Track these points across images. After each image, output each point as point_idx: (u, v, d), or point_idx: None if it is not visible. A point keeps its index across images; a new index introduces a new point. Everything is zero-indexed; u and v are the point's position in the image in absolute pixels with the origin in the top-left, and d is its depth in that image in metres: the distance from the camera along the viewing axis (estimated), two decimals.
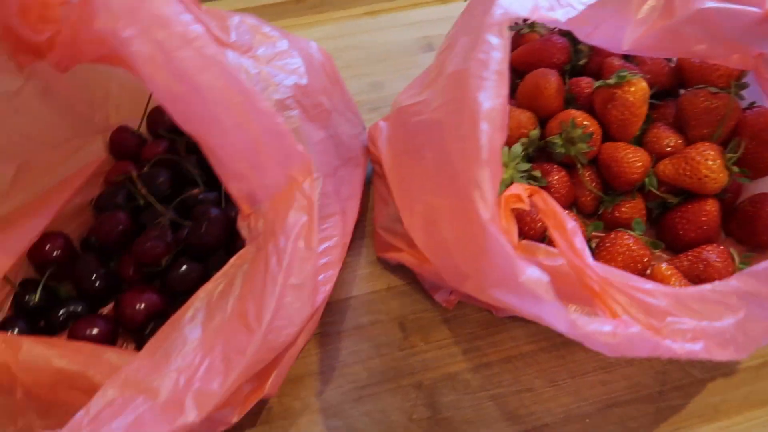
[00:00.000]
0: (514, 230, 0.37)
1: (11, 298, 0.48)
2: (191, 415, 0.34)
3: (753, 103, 0.53)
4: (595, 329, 0.32)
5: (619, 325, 0.34)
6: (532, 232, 0.49)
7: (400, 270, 0.53)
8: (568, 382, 0.47)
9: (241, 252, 0.40)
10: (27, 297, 0.47)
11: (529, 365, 0.48)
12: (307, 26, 0.72)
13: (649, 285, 0.38)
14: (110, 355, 0.41)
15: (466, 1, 0.77)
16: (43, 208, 0.49)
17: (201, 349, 0.37)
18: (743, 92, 0.52)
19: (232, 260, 0.40)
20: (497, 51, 0.35)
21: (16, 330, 0.45)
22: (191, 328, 0.38)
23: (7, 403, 0.42)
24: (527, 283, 0.30)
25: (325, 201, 0.45)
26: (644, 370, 0.48)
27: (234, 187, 0.39)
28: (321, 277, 0.44)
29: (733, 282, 0.39)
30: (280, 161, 0.39)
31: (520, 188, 0.42)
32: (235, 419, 0.40)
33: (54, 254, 0.49)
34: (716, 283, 0.39)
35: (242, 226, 0.41)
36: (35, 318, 0.47)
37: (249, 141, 0.37)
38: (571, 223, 0.40)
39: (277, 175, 0.39)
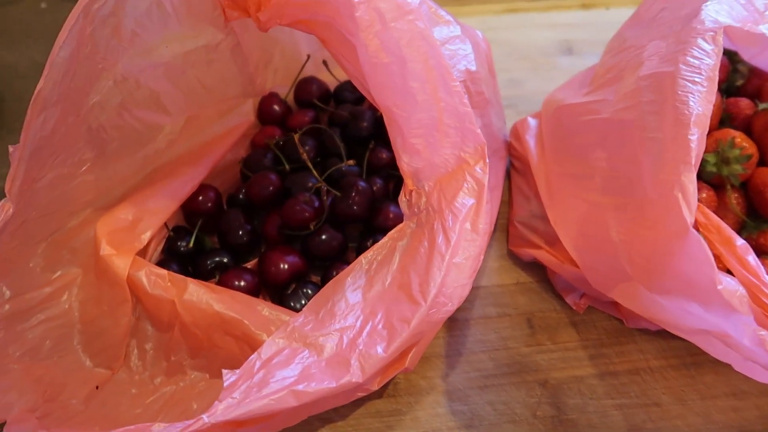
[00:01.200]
0: None
1: (164, 242, 0.51)
2: (356, 375, 0.35)
3: None
4: None
5: None
6: None
7: (531, 267, 0.53)
8: (698, 403, 0.46)
9: (400, 226, 0.41)
10: (179, 243, 0.50)
11: (657, 380, 0.48)
12: None
13: None
14: (263, 307, 0.43)
15: (608, 9, 0.77)
16: (201, 162, 0.52)
17: (362, 314, 0.38)
18: None
19: (390, 234, 0.41)
20: (710, 57, 0.34)
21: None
22: (352, 292, 0.39)
23: (165, 338, 0.44)
24: (725, 292, 0.30)
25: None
26: None
27: (405, 161, 0.40)
28: None
29: None
30: (454, 142, 0.39)
31: None
32: (375, 387, 0.41)
33: (206, 206, 0.52)
34: None
35: (402, 201, 0.42)
36: (185, 263, 0.50)
37: (432, 118, 0.38)
38: (740, 240, 0.40)
39: (448, 155, 0.40)
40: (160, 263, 0.48)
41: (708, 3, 0.39)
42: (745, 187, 0.53)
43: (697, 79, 0.34)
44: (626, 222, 0.38)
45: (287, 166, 0.54)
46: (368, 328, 0.37)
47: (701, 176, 0.53)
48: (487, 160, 0.40)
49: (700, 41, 0.35)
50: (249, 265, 0.51)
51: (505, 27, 0.72)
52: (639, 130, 0.37)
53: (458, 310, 0.50)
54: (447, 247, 0.38)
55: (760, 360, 0.34)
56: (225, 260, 0.50)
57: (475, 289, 0.52)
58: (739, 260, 0.39)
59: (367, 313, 0.38)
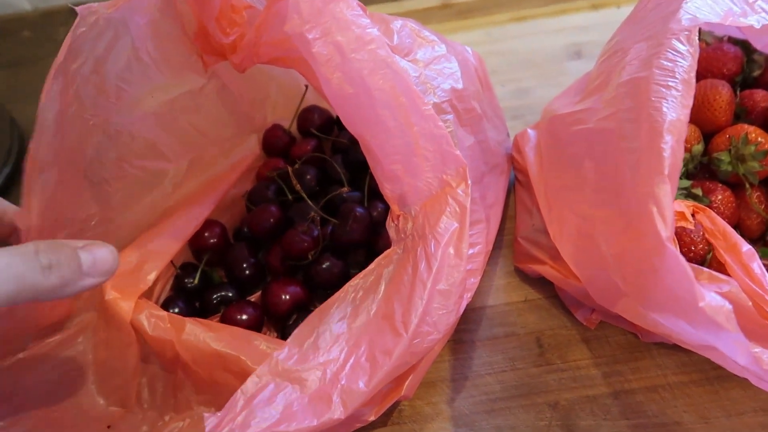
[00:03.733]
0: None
1: (173, 279, 0.52)
2: (337, 412, 0.35)
3: None
4: None
5: None
6: (692, 254, 0.45)
7: (539, 283, 0.51)
8: (723, 421, 0.44)
9: (387, 252, 0.41)
10: (186, 279, 0.51)
11: (677, 397, 0.45)
12: (452, 31, 0.72)
13: None
14: (260, 342, 0.43)
15: (619, 8, 0.74)
16: (206, 199, 0.53)
17: (346, 345, 0.38)
18: None
19: (377, 260, 0.41)
20: (684, 59, 0.33)
21: (176, 309, 0.49)
22: (337, 323, 0.39)
23: (170, 377, 0.46)
24: (707, 309, 0.28)
25: (472, 207, 0.45)
26: None
27: (387, 188, 0.40)
28: None
29: None
30: (434, 165, 0.39)
31: (682, 205, 0.39)
32: (372, 418, 0.41)
33: (212, 241, 0.53)
34: None
35: (390, 226, 0.42)
36: (192, 299, 0.51)
37: (408, 143, 0.38)
38: (746, 245, 0.37)
39: (430, 179, 0.40)
40: (168, 300, 0.50)
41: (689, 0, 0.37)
42: (767, 184, 0.50)
43: (671, 83, 0.32)
44: (614, 236, 0.37)
45: (290, 196, 0.55)
46: (351, 361, 0.37)
47: (716, 177, 0.50)
48: (469, 182, 0.39)
49: (674, 42, 0.34)
50: (254, 296, 0.52)
51: (511, 36, 0.71)
52: (618, 139, 0.35)
53: (464, 330, 0.50)
54: (429, 274, 0.37)
55: (764, 379, 0.31)
56: (230, 294, 0.51)
57: (480, 308, 0.51)
58: (743, 268, 0.36)
59: (351, 345, 0.38)
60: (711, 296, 0.29)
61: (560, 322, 0.49)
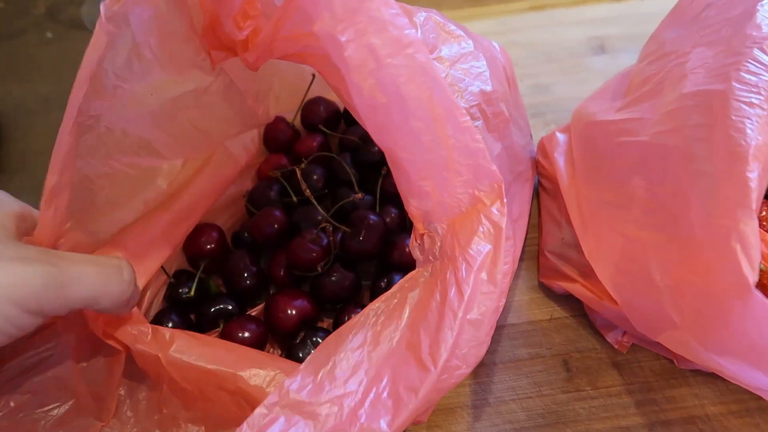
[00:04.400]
0: None
1: (165, 288, 0.48)
2: None
3: None
4: None
5: None
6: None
7: (566, 300, 0.47)
8: None
9: (413, 274, 0.37)
10: (181, 289, 0.47)
11: (716, 430, 0.42)
12: (465, 20, 0.67)
13: None
14: (262, 359, 0.39)
15: (643, 0, 0.70)
16: (199, 198, 0.48)
17: (366, 377, 0.34)
18: None
19: (400, 282, 0.37)
20: None
21: (170, 324, 0.44)
22: (355, 350, 0.35)
23: (155, 392, 0.42)
24: None
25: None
26: None
27: (413, 205, 0.36)
28: None
29: None
30: (467, 180, 0.35)
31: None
32: None
33: (208, 247, 0.48)
34: None
35: (414, 246, 0.38)
36: (187, 311, 0.47)
37: (441, 157, 0.33)
38: None
39: (460, 194, 0.35)
40: (161, 314, 0.45)
41: (765, 1, 0.33)
42: None
43: (754, 101, 0.28)
44: (671, 264, 0.33)
45: (295, 198, 0.50)
46: (371, 395, 0.33)
47: None
48: (505, 199, 0.35)
49: (756, 52, 0.29)
50: (256, 310, 0.47)
51: (530, 27, 0.66)
52: (684, 159, 0.31)
53: (486, 352, 0.46)
54: (460, 302, 0.33)
55: None
56: (229, 307, 0.46)
57: (502, 327, 0.47)
58: None
59: (372, 377, 0.34)
60: None
61: (589, 344, 0.46)
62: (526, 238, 0.50)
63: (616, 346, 0.45)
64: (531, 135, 0.53)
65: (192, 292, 0.46)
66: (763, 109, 0.28)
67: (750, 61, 0.29)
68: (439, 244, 0.36)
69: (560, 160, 0.47)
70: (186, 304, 0.47)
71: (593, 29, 0.65)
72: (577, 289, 0.44)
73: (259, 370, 0.39)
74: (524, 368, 0.45)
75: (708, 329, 0.30)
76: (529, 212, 0.49)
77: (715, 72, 0.31)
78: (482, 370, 0.45)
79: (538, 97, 0.61)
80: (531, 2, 0.68)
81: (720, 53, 0.32)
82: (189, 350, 0.39)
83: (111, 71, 0.35)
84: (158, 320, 0.45)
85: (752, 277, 0.26)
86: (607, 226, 0.40)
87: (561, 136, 0.48)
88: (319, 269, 0.45)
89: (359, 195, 0.45)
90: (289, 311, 0.45)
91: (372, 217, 0.46)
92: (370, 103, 0.30)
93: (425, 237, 0.37)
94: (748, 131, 0.27)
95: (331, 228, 0.44)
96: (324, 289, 0.46)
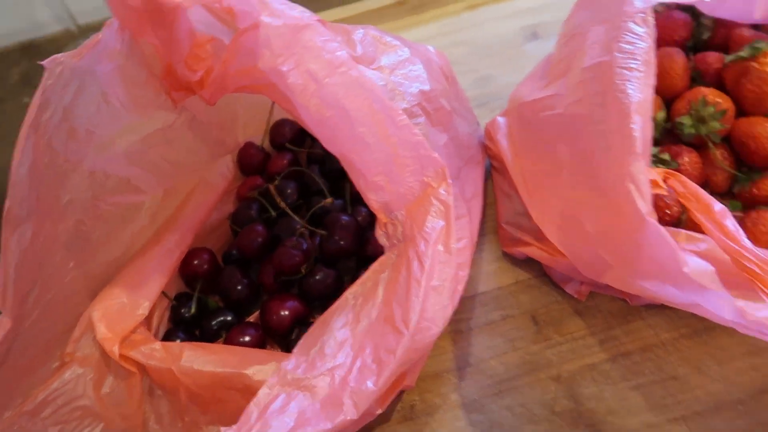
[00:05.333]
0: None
1: (169, 310, 0.53)
2: (350, 413, 0.36)
3: None
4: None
5: None
6: (668, 217, 0.47)
7: (527, 264, 0.53)
8: (715, 369, 0.46)
9: (382, 258, 0.42)
10: (182, 309, 0.52)
11: (671, 353, 0.47)
12: (407, 28, 0.73)
13: None
14: (262, 356, 0.44)
15: None
16: (186, 227, 0.53)
17: (351, 350, 0.39)
18: None
19: (372, 266, 0.42)
20: (642, 40, 0.34)
21: (177, 340, 0.49)
22: (340, 330, 0.40)
23: (174, 403, 0.46)
24: (693, 274, 0.30)
25: (455, 204, 0.46)
26: None
27: (372, 199, 0.41)
28: None
29: None
30: (415, 170, 0.40)
31: (654, 173, 0.41)
32: (379, 410, 0.42)
33: (202, 268, 0.53)
34: None
35: (380, 234, 0.43)
36: (191, 328, 0.52)
37: (388, 154, 0.39)
38: (718, 204, 0.39)
39: (411, 183, 0.41)
40: (168, 333, 0.50)
41: None
42: (728, 141, 0.52)
43: (632, 65, 0.34)
44: (596, 214, 0.38)
45: (274, 213, 0.56)
46: (358, 364, 0.38)
47: (680, 140, 0.52)
48: (450, 181, 0.40)
49: (631, 25, 0.35)
50: (253, 317, 0.53)
51: (467, 26, 0.72)
52: (589, 123, 0.37)
53: (461, 320, 0.51)
54: (422, 273, 0.39)
55: (750, 329, 0.33)
56: (229, 318, 0.51)
57: (474, 296, 0.52)
58: (718, 226, 0.38)
59: (356, 349, 0.39)
60: (693, 261, 0.30)
61: (552, 298, 0.51)
62: (485, 215, 0.56)
63: (575, 296, 0.50)
64: (478, 123, 0.59)
65: (193, 310, 0.51)
66: (640, 71, 0.33)
67: (627, 33, 0.35)
68: (400, 228, 0.42)
69: (503, 141, 0.52)
70: (189, 322, 0.52)
71: (525, 19, 0.71)
72: (534, 251, 0.50)
73: (261, 366, 0.44)
74: (498, 329, 0.50)
75: (629, 261, 0.36)
76: (483, 191, 0.55)
77: (603, 45, 0.37)
78: (461, 337, 0.50)
79: (482, 89, 0.66)
80: (465, 3, 0.74)
81: (608, 29, 0.38)
82: (197, 358, 0.44)
83: (84, 117, 0.40)
84: (167, 339, 0.50)
85: (645, 208, 0.31)
86: (547, 192, 0.45)
87: (502, 120, 0.53)
88: (303, 271, 0.50)
89: (329, 200, 0.51)
90: (283, 313, 0.50)
91: (344, 217, 0.51)
92: (318, 118, 0.35)
93: (388, 225, 0.42)
94: (629, 91, 0.33)
95: (307, 231, 0.49)
96: (310, 289, 0.51)
